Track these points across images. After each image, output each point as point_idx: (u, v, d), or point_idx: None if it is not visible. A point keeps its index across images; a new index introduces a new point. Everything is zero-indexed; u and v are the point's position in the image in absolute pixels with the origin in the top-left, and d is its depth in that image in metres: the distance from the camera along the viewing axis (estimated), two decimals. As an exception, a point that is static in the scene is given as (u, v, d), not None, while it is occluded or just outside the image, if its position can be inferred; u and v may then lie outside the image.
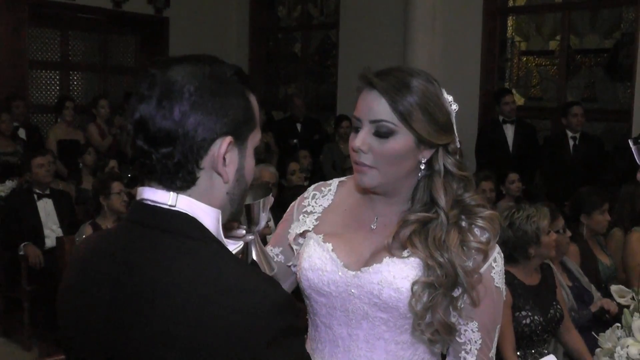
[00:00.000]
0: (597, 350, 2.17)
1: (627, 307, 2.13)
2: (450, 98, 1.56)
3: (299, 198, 1.74)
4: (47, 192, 5.44)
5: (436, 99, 1.50)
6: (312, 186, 1.74)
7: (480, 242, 1.50)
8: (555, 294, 3.30)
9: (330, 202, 1.68)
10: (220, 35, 9.52)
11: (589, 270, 4.00)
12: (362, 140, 1.49)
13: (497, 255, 1.54)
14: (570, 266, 3.86)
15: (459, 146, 1.56)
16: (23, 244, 5.13)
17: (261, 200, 1.45)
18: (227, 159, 1.15)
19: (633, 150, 1.02)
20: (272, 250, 1.72)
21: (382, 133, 1.47)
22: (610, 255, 4.35)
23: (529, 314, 3.13)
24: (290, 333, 1.08)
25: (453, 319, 1.52)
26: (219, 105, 1.12)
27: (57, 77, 8.88)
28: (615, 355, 2.04)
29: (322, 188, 1.71)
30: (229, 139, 1.13)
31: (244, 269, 1.13)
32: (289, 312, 1.08)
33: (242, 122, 1.16)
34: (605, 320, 3.44)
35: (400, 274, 1.49)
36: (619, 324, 2.13)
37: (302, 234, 1.66)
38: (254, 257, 1.46)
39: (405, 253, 1.51)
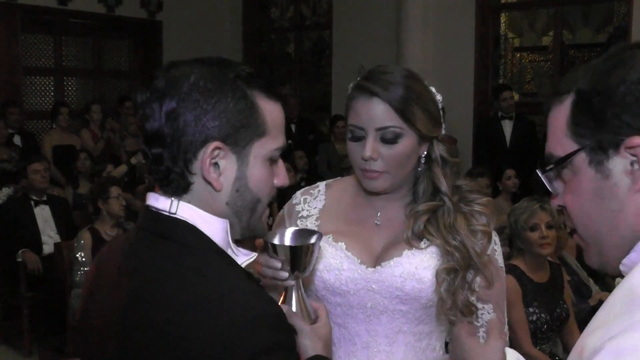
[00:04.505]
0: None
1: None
2: (432, 88, 1.60)
3: (286, 205, 1.74)
4: (44, 198, 5.43)
5: (427, 93, 1.55)
6: (299, 192, 1.73)
7: (484, 224, 1.56)
8: (563, 293, 3.30)
9: (323, 202, 1.69)
10: (214, 37, 9.50)
11: (583, 262, 4.01)
12: (372, 149, 1.50)
13: (495, 238, 1.62)
14: (569, 260, 3.87)
15: (443, 132, 1.61)
16: (21, 250, 5.12)
17: (305, 245, 1.35)
18: (220, 166, 1.10)
19: (543, 180, 1.04)
20: None
21: (389, 139, 1.50)
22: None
23: (536, 310, 3.14)
24: (276, 350, 1.02)
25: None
26: (210, 107, 1.07)
27: (52, 83, 8.85)
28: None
29: (311, 191, 1.72)
30: (215, 143, 1.08)
31: (235, 282, 1.07)
32: (275, 328, 1.03)
33: (238, 128, 1.10)
34: (604, 313, 3.44)
35: (421, 264, 1.53)
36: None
37: None
38: (293, 305, 1.35)
39: (422, 244, 1.56)
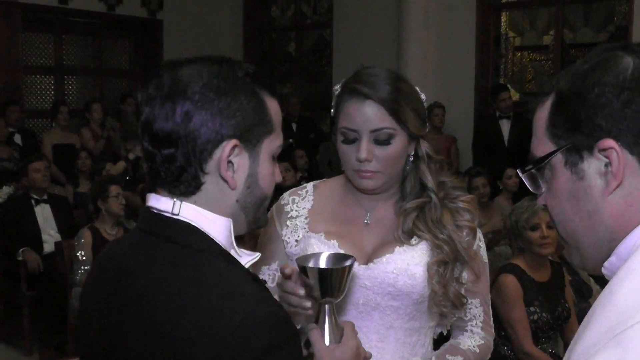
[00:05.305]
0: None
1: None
2: (417, 88, 1.63)
3: (274, 206, 1.74)
4: (45, 197, 5.44)
5: (415, 93, 1.60)
6: (286, 193, 1.75)
7: (469, 220, 1.61)
8: (564, 292, 3.30)
9: (312, 203, 1.71)
10: (215, 36, 9.50)
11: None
12: (367, 150, 1.54)
13: (480, 235, 1.67)
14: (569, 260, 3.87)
15: (427, 130, 1.65)
16: (21, 249, 5.12)
17: (341, 268, 1.33)
18: (235, 164, 1.10)
19: (524, 179, 1.05)
20: (268, 268, 1.70)
21: (383, 140, 1.54)
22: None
23: (537, 310, 3.15)
24: (277, 353, 1.01)
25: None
26: (225, 105, 1.07)
27: (52, 82, 8.85)
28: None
29: (299, 192, 1.74)
30: (233, 142, 1.08)
31: (237, 285, 1.06)
32: (277, 331, 1.02)
33: (252, 125, 1.10)
34: (605, 313, 3.44)
35: (412, 260, 1.57)
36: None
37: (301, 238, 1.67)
38: (326, 331, 1.31)
39: (413, 241, 1.60)
